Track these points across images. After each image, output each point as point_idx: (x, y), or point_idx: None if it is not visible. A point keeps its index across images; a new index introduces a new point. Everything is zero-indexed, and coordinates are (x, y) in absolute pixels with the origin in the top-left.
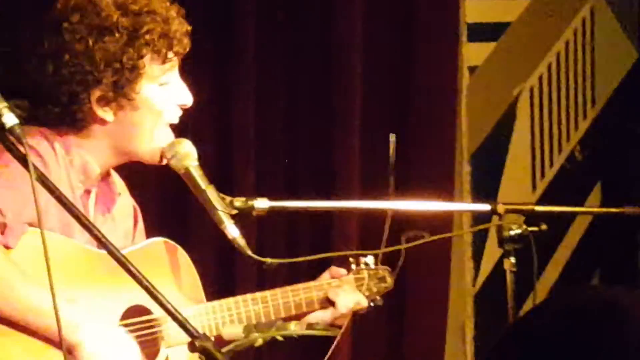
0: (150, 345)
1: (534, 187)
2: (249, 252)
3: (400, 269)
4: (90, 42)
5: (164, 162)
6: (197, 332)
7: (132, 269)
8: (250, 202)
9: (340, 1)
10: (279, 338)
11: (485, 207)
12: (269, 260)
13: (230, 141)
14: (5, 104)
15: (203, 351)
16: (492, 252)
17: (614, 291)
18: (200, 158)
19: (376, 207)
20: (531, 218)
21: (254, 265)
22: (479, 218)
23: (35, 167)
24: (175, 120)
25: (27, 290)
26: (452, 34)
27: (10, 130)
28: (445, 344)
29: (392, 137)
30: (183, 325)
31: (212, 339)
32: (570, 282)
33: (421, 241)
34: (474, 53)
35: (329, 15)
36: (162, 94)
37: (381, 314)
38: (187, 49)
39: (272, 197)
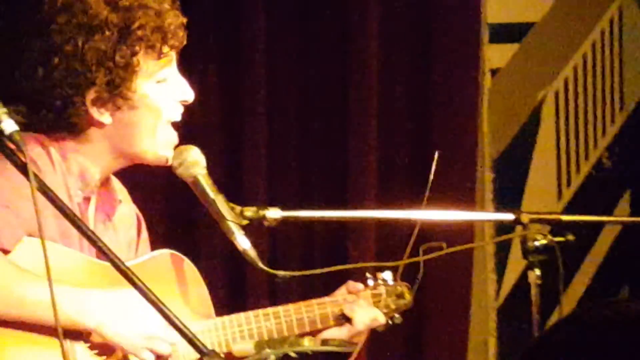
0: None
1: (560, 195)
2: (261, 265)
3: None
4: (80, 43)
5: (169, 162)
6: (206, 348)
7: (137, 281)
8: (261, 212)
9: (355, 1)
10: (292, 355)
11: (509, 216)
12: (281, 273)
13: (240, 148)
14: (4, 109)
15: None
16: (515, 264)
17: None
18: (208, 166)
19: (395, 217)
20: (557, 228)
21: (266, 279)
22: (501, 228)
23: (36, 175)
24: (177, 118)
25: (33, 285)
26: (473, 35)
27: (10, 137)
28: None
29: (436, 155)
30: (192, 341)
31: (222, 355)
32: (598, 296)
33: (440, 252)
34: (496, 55)
35: (343, 17)
36: (161, 90)
37: (399, 329)
38: (184, 42)
39: (284, 207)
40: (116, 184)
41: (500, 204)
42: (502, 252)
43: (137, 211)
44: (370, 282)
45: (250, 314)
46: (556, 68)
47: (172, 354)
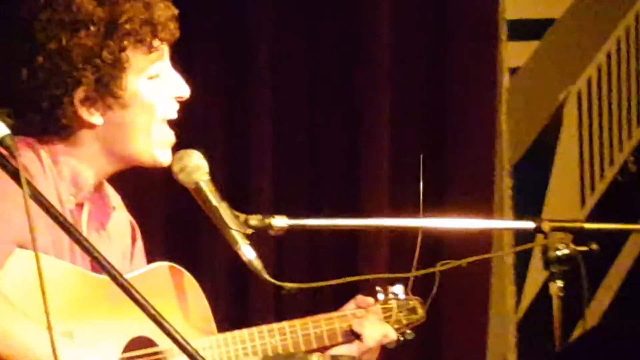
0: None
1: (583, 202)
2: (266, 276)
3: (433, 295)
4: (64, 40)
5: (166, 164)
6: None
7: (136, 295)
8: (267, 221)
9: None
10: None
11: (529, 224)
12: (288, 285)
13: (245, 152)
14: None
15: None
16: (536, 275)
17: None
18: (211, 171)
19: (407, 226)
20: (580, 237)
21: (272, 291)
22: (521, 237)
23: (29, 183)
24: (173, 115)
25: (19, 326)
26: (490, 31)
27: (1, 142)
28: None
29: (421, 157)
30: (193, 357)
31: None
32: (623, 308)
33: (456, 263)
34: (515, 53)
35: (353, 15)
36: (154, 87)
37: (413, 347)
38: (176, 35)
39: (291, 215)
40: (109, 190)
41: (520, 212)
42: (522, 263)
43: (131, 219)
44: (381, 296)
45: (255, 330)
46: (579, 67)
47: None
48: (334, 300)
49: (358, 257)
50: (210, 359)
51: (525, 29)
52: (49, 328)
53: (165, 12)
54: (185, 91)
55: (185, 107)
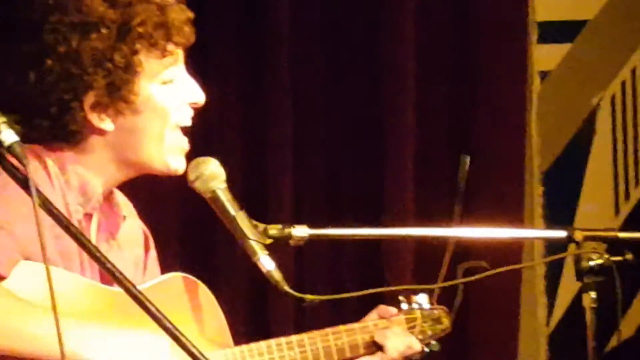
0: None
1: (617, 210)
2: (286, 288)
3: (460, 307)
4: (74, 43)
5: (179, 172)
6: None
7: (150, 307)
8: (287, 230)
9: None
10: None
11: (561, 233)
12: (309, 297)
13: (263, 160)
14: (3, 119)
15: None
16: (568, 285)
17: None
18: (228, 179)
19: (433, 235)
20: (614, 246)
21: (292, 303)
22: (553, 246)
23: (38, 191)
24: (187, 122)
25: (32, 317)
26: (520, 34)
27: (10, 149)
28: None
29: (465, 159)
30: None
31: None
32: None
33: (485, 274)
34: (545, 56)
35: (376, 16)
36: (167, 92)
37: (438, 359)
38: (192, 40)
39: (312, 224)
40: (120, 197)
41: (551, 220)
42: (554, 273)
43: (143, 227)
44: (405, 306)
45: (273, 342)
46: (612, 70)
47: None
48: (356, 310)
49: (381, 266)
50: None
51: (556, 32)
52: (60, 344)
53: (180, 15)
54: (200, 97)
55: (202, 113)
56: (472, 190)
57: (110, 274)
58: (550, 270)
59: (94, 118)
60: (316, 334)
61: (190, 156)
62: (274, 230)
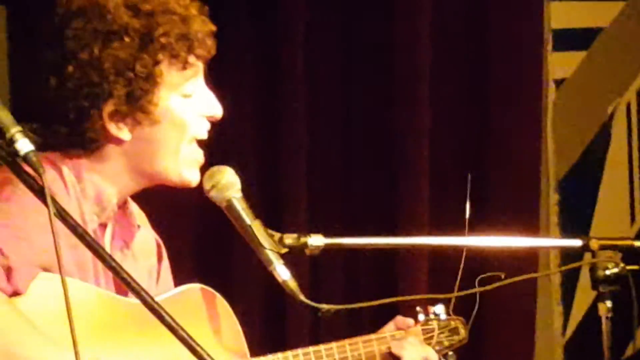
0: None
1: (633, 218)
2: (302, 297)
3: (476, 317)
4: (96, 50)
5: (193, 184)
6: None
7: (167, 317)
8: (303, 239)
9: (403, 7)
10: None
11: (576, 242)
12: (324, 306)
13: (279, 169)
14: (18, 127)
15: None
16: (584, 295)
17: None
18: (244, 188)
19: (449, 244)
20: (630, 255)
21: (308, 313)
22: (568, 255)
23: (54, 201)
24: (204, 135)
25: (44, 350)
26: (535, 42)
27: (25, 158)
28: None
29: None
30: None
31: None
32: None
33: (500, 283)
34: (561, 64)
35: (391, 23)
36: (186, 104)
37: None
38: (213, 52)
39: (327, 233)
40: (134, 207)
41: (567, 229)
42: (570, 282)
43: (156, 237)
44: (421, 317)
45: (289, 353)
46: (628, 77)
47: None
48: (373, 321)
49: (397, 275)
50: None
51: (571, 39)
52: (77, 356)
53: (203, 28)
54: (218, 111)
55: (217, 122)
56: (488, 199)
57: (125, 284)
58: (566, 279)
59: (112, 127)
60: (333, 344)
61: (205, 165)
62: (289, 239)
